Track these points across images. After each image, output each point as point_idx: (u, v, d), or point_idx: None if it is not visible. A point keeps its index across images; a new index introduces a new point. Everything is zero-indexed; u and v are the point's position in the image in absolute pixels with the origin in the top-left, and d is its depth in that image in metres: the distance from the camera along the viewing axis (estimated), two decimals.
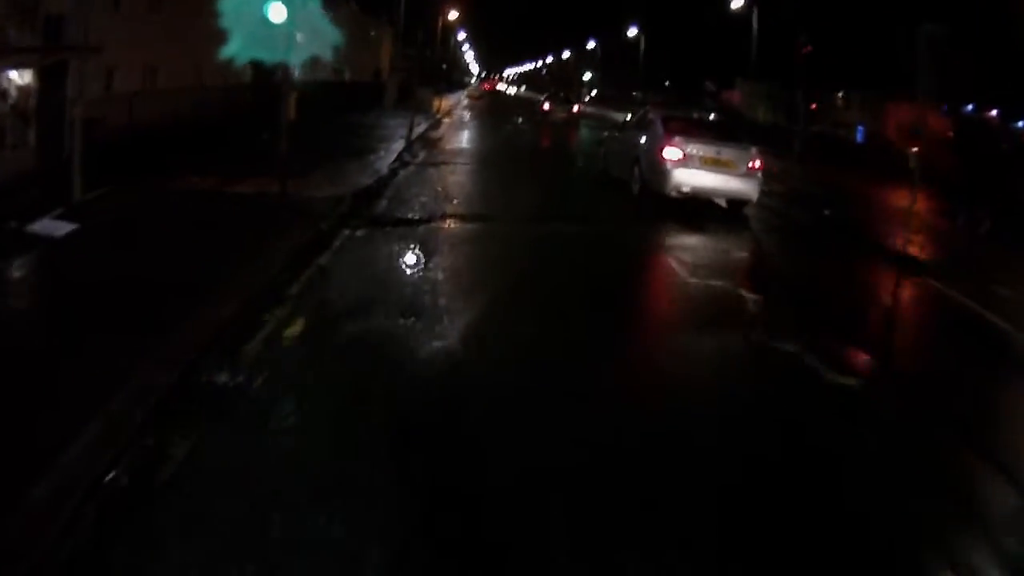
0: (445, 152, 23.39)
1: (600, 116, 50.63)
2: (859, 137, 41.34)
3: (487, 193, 16.69)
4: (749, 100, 55.89)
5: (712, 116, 28.96)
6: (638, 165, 15.96)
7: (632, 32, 61.93)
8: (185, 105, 20.13)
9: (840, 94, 44.68)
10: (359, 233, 10.76)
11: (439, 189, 15.74)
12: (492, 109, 56.59)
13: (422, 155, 21.20)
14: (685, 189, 14.64)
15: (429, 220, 12.19)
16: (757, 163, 14.87)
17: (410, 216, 12.40)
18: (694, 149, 14.63)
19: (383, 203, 13.44)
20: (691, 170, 14.55)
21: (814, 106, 41.48)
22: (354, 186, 13.87)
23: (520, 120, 43.51)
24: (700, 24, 57.10)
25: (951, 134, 28.24)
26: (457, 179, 17.99)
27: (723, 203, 15.69)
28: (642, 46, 58.95)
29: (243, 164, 14.30)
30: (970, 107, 38.00)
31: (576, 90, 79.59)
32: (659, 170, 14.78)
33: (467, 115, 46.74)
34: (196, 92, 22.01)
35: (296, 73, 33.44)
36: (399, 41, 52.21)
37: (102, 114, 14.14)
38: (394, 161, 18.30)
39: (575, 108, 51.35)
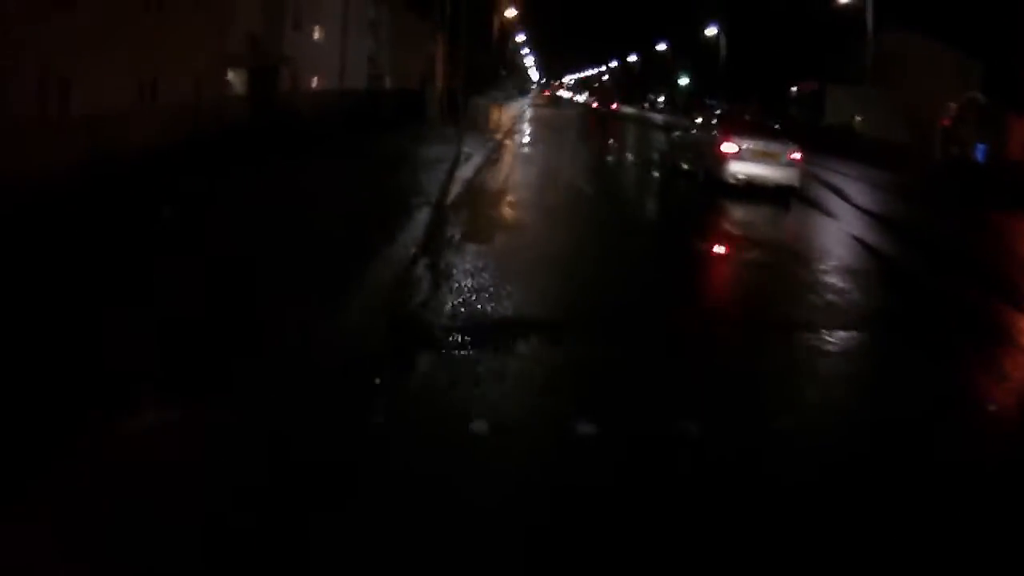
0: (510, 230, 13.37)
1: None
2: (979, 157, 36.00)
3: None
4: (841, 107, 50.77)
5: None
6: (702, 158, 20.02)
7: (711, 31, 57.05)
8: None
9: (953, 105, 39.23)
10: None
11: None
12: (567, 124, 52.10)
13: (460, 254, 10.56)
14: (740, 176, 18.44)
15: None
16: (797, 155, 18.65)
17: None
18: (746, 144, 18.52)
19: None
20: (743, 161, 18.40)
21: (946, 121, 36.25)
22: None
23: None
24: (790, 22, 51.90)
25: None
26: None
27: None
28: (722, 47, 54.08)
29: None
30: None
31: (620, 95, 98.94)
32: (718, 161, 18.72)
33: (535, 132, 41.04)
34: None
35: (315, 82, 29.34)
36: (450, 43, 48.40)
37: None
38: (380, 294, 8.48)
39: (613, 106, 76.95)
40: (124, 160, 12.32)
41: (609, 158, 30.08)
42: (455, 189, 15.80)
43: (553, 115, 62.72)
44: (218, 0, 22.65)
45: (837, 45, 46.71)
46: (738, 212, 16.81)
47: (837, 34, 45.90)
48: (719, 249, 13.69)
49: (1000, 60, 33.60)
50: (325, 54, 31.67)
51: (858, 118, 48.31)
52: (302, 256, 8.83)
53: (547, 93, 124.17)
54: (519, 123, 43.63)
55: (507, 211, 15.15)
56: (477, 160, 20.99)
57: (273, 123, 21.82)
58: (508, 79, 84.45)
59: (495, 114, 38.33)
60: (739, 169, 18.34)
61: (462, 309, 7.93)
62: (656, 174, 24.83)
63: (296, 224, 10.65)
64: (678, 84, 59.36)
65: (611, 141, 38.85)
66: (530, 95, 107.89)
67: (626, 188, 22.77)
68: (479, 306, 8.06)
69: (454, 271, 9.43)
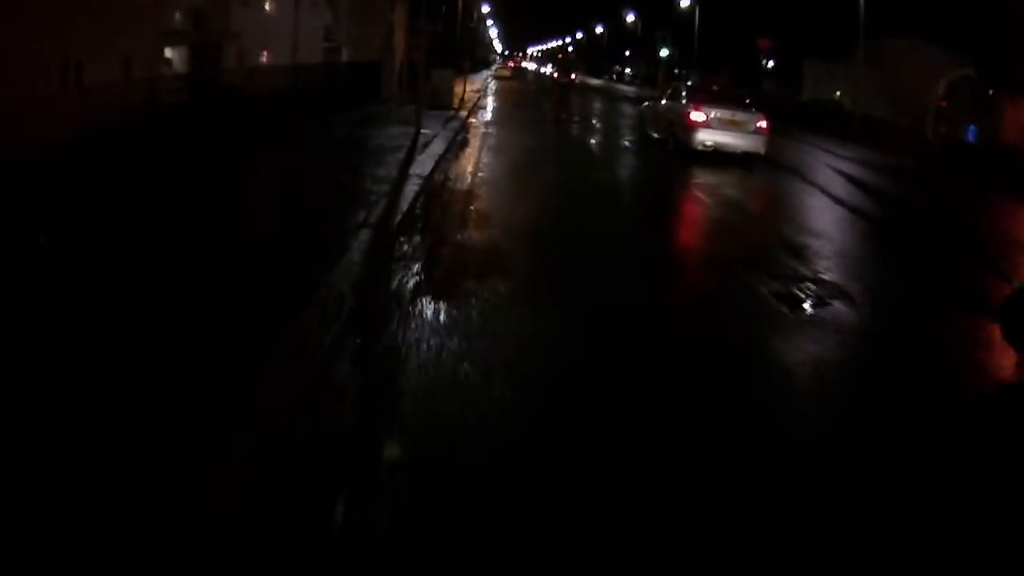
0: (485, 275, 9.00)
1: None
2: (970, 137, 34.56)
3: None
4: (820, 81, 49.19)
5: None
6: (671, 126, 20.75)
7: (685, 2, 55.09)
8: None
9: (943, 83, 37.65)
10: None
11: None
12: (529, 94, 49.98)
13: (408, 344, 6.61)
14: (708, 144, 19.26)
15: None
16: (763, 124, 19.52)
17: None
18: (714, 113, 19.30)
19: None
20: (711, 130, 19.20)
21: (944, 103, 34.77)
22: None
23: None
24: None
25: None
26: None
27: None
28: (696, 19, 52.12)
29: None
30: None
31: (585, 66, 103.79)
32: (687, 130, 19.50)
33: (500, 106, 38.04)
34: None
35: (264, 58, 27.06)
36: (410, 14, 46.04)
37: None
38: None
39: (572, 76, 76.74)
40: (18, 161, 10.11)
41: (585, 136, 27.00)
42: (408, 195, 12.09)
43: (518, 88, 60.71)
44: None
45: (819, 17, 44.94)
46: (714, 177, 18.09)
47: (816, 8, 44.13)
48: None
49: (993, 39, 31.95)
50: (276, 27, 29.36)
51: (838, 93, 46.83)
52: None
53: (511, 65, 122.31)
54: (483, 97, 41.25)
55: (477, 234, 10.86)
56: (438, 146, 17.87)
57: (215, 105, 19.67)
58: (472, 51, 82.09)
59: (458, 88, 36.00)
60: (707, 137, 19.38)
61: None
62: (630, 146, 24.46)
63: (158, 287, 7.12)
64: (659, 56, 57.11)
65: (579, 114, 36.76)
66: (494, 67, 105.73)
67: (601, 169, 20.02)
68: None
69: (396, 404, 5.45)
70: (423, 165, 15.00)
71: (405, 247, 9.76)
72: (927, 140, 33.40)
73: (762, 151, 19.74)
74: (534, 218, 12.71)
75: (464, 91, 36.15)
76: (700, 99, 20.27)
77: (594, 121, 33.14)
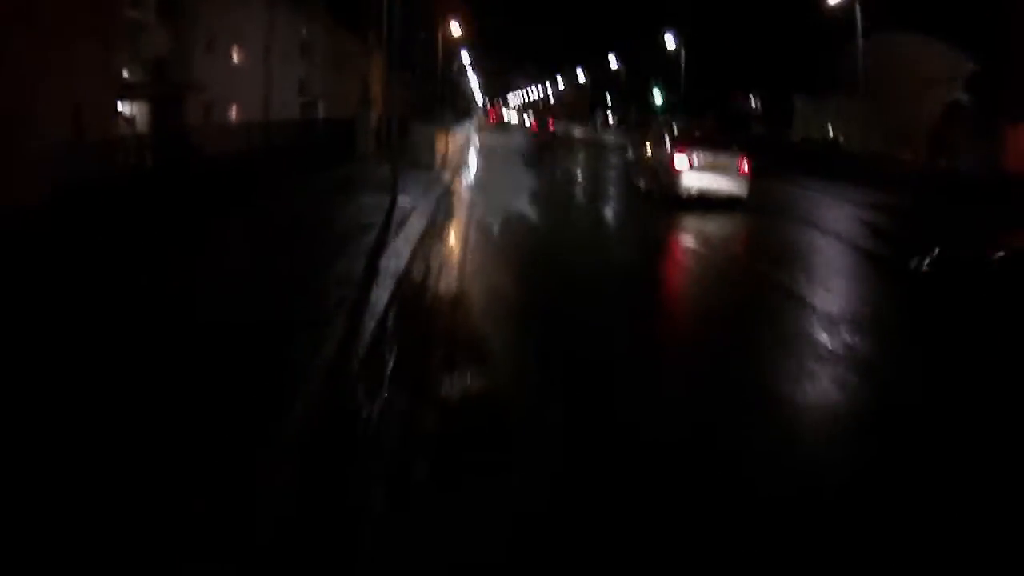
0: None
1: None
2: (971, 168, 33.36)
3: None
4: (810, 119, 48.29)
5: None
6: (656, 175, 20.83)
7: (670, 45, 54.22)
8: None
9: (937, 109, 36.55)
10: None
11: None
12: (513, 148, 48.67)
13: None
14: (693, 190, 19.33)
15: None
16: (746, 167, 19.62)
17: None
18: (697, 158, 19.41)
19: None
20: (696, 174, 19.37)
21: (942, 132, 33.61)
22: None
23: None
24: (751, 35, 49.27)
25: None
26: None
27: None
28: (682, 60, 51.22)
29: None
30: None
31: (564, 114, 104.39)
32: (671, 176, 19.58)
33: (486, 164, 35.27)
34: None
35: (233, 113, 25.71)
36: (389, 63, 44.97)
37: None
38: None
39: (550, 127, 77.00)
40: None
41: (579, 198, 23.96)
42: (373, 310, 8.16)
43: (502, 141, 59.51)
44: (110, 16, 19.11)
45: (805, 56, 44.13)
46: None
47: (805, 46, 43.31)
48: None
49: (991, 63, 30.89)
50: (246, 79, 28.07)
51: (830, 129, 45.88)
52: None
53: (492, 115, 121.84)
54: (467, 153, 38.76)
55: (475, 382, 6.84)
56: (416, 224, 13.82)
57: (174, 167, 18.29)
58: (453, 102, 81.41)
59: (440, 144, 34.18)
60: (692, 183, 19.43)
61: None
62: (621, 201, 23.34)
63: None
64: (652, 102, 56.09)
65: (565, 171, 35.08)
66: (475, 118, 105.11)
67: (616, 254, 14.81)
68: None
69: None
70: (397, 255, 10.98)
71: (363, 412, 5.95)
72: (930, 174, 32.11)
73: (745, 194, 19.81)
74: (546, 347, 7.96)
75: (447, 146, 34.00)
76: (683, 145, 20.25)
77: (582, 179, 31.07)
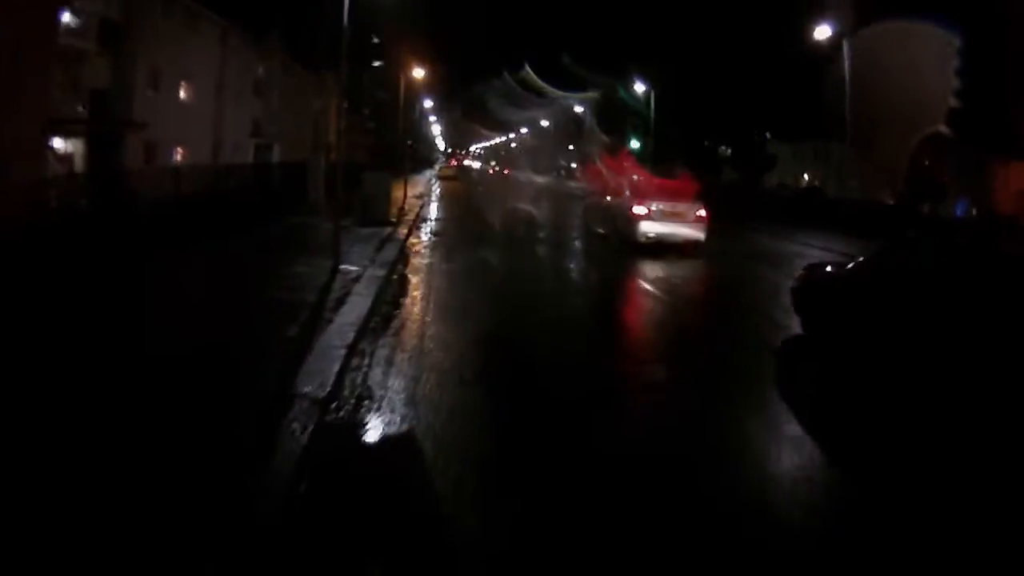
0: None
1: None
2: (959, 212, 32.23)
3: None
4: (785, 167, 47.38)
5: None
6: (614, 221, 21.62)
7: (639, 89, 53.04)
8: None
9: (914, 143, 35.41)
10: None
11: None
12: (476, 198, 46.99)
13: None
14: (651, 235, 19.93)
15: None
16: (702, 213, 20.28)
17: None
18: (655, 205, 20.19)
19: None
20: (653, 221, 19.99)
21: (926, 173, 32.24)
22: None
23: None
24: (720, 82, 48.30)
25: None
26: None
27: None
28: (652, 105, 50.03)
29: None
30: None
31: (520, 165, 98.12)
32: (630, 223, 20.30)
33: (447, 217, 32.01)
34: None
35: (178, 155, 23.56)
36: (350, 109, 43.05)
37: None
38: None
39: (505, 171, 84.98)
40: None
41: (548, 252, 21.93)
42: (275, 482, 5.10)
43: (464, 190, 57.53)
44: (44, 42, 17.21)
45: (780, 101, 43.15)
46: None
47: (780, 90, 42.32)
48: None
49: (978, 99, 29.60)
50: (195, 119, 26.16)
51: (806, 176, 44.90)
52: None
53: (454, 163, 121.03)
54: (427, 205, 34.77)
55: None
56: (359, 305, 10.63)
57: (109, 212, 16.30)
58: (414, 149, 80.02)
59: (398, 193, 31.45)
60: (649, 229, 19.93)
61: None
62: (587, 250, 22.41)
63: None
64: (629, 148, 54.65)
65: (529, 221, 33.36)
66: (437, 166, 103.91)
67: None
68: None
69: None
70: (326, 360, 7.71)
71: None
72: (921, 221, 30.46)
73: (702, 238, 20.39)
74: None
75: (404, 197, 31.21)
76: (641, 192, 21.11)
77: (547, 228, 29.17)
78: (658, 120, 51.77)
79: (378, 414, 6.63)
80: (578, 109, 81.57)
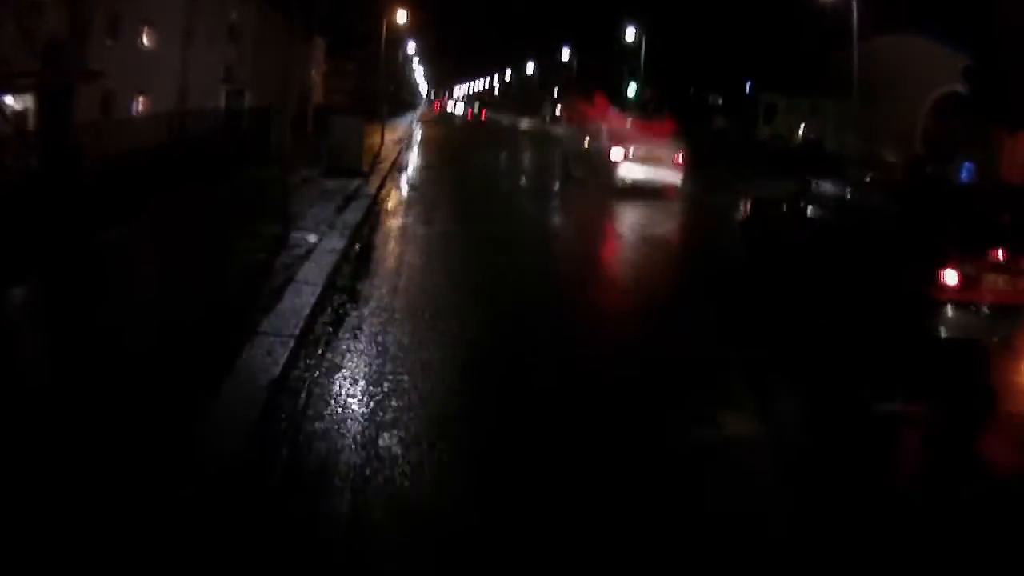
0: None
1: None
2: (964, 176, 30.94)
3: None
4: (780, 119, 45.95)
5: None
6: (591, 164, 22.30)
7: (629, 35, 51.38)
8: None
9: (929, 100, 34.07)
10: None
11: None
12: (457, 143, 45.55)
13: None
14: (628, 180, 20.38)
15: None
16: (680, 157, 20.73)
17: None
18: (632, 149, 20.45)
19: None
20: (631, 165, 20.39)
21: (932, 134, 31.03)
22: None
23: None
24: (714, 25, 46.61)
25: None
26: None
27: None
28: (643, 51, 48.45)
29: None
30: None
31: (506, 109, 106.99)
32: (607, 167, 20.68)
33: (426, 164, 30.09)
34: None
35: (139, 105, 21.66)
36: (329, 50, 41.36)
37: None
38: None
39: (482, 116, 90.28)
40: None
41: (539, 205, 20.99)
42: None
43: (446, 134, 56.12)
44: None
45: (776, 52, 41.56)
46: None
47: (778, 41, 40.70)
48: None
49: (989, 64, 28.14)
50: (159, 66, 24.52)
51: (801, 129, 43.57)
52: None
53: (437, 107, 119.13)
54: (405, 151, 32.40)
55: None
56: (304, 295, 8.42)
57: (59, 171, 14.88)
58: (396, 93, 77.96)
59: (375, 138, 29.47)
60: (627, 173, 20.24)
61: None
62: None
63: None
64: (626, 95, 52.74)
65: (513, 165, 32.56)
66: (419, 110, 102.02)
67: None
68: None
69: None
70: (251, 386, 5.85)
71: None
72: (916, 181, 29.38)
73: (679, 183, 20.70)
74: None
75: (381, 143, 29.54)
76: (619, 137, 21.09)
77: (530, 176, 28.36)
78: (649, 67, 50.26)
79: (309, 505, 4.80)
80: (565, 52, 79.86)
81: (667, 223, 18.03)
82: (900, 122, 32.04)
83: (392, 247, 12.76)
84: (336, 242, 11.41)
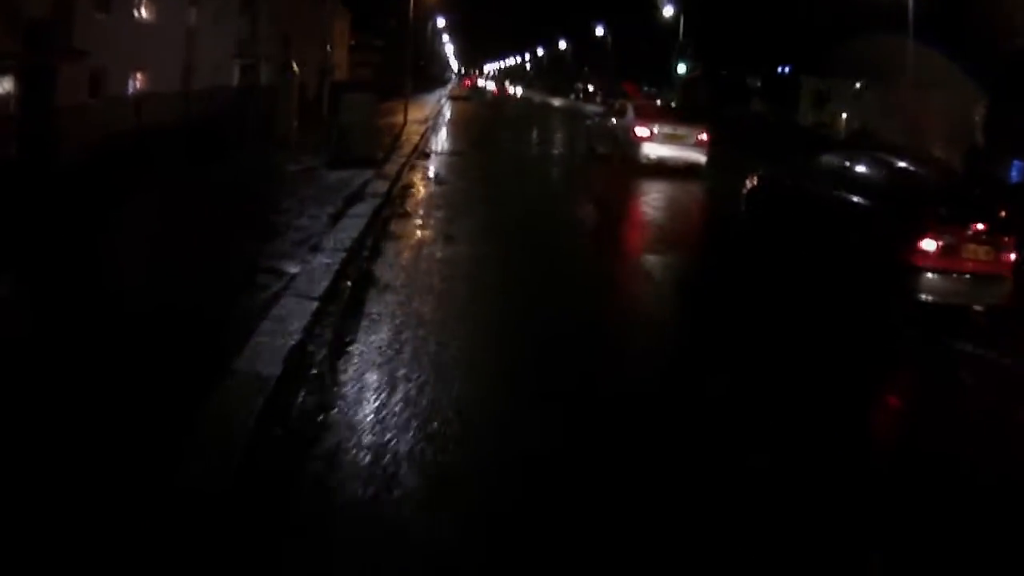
0: None
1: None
2: (1014, 175, 28.98)
3: None
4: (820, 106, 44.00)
5: None
6: (617, 141, 22.11)
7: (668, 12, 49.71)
8: None
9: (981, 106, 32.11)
10: None
11: None
12: (490, 122, 43.77)
13: None
14: (652, 157, 20.63)
15: None
16: (704, 136, 21.17)
17: None
18: (657, 128, 20.75)
19: None
20: (656, 144, 20.63)
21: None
22: None
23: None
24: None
25: None
26: None
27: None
28: (680, 30, 46.74)
29: None
30: None
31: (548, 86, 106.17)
32: (632, 145, 20.89)
33: (453, 149, 26.80)
34: None
35: (137, 83, 19.55)
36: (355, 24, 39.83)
37: None
38: None
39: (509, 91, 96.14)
40: None
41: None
42: None
43: (476, 112, 54.15)
44: None
45: (820, 36, 39.57)
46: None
47: (823, 24, 38.72)
48: None
49: None
50: (159, 40, 22.99)
51: (843, 117, 41.60)
52: None
53: (468, 83, 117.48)
54: (432, 133, 30.38)
55: None
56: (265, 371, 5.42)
57: (40, 159, 13.64)
58: (425, 68, 76.34)
59: (397, 117, 27.41)
60: (651, 151, 20.52)
61: None
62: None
63: None
64: (676, 72, 50.48)
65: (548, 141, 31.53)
66: (449, 86, 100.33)
67: None
68: None
69: None
70: None
71: None
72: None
73: (703, 162, 21.06)
74: None
75: (404, 123, 27.40)
76: (645, 115, 21.56)
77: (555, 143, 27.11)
78: (685, 45, 48.48)
79: None
80: (599, 29, 77.90)
81: (690, 199, 18.90)
82: (954, 114, 30.10)
83: (402, 286, 8.92)
84: (316, 282, 7.82)
